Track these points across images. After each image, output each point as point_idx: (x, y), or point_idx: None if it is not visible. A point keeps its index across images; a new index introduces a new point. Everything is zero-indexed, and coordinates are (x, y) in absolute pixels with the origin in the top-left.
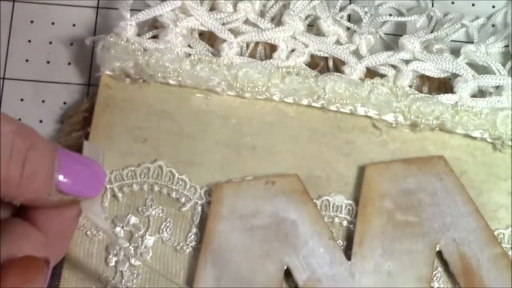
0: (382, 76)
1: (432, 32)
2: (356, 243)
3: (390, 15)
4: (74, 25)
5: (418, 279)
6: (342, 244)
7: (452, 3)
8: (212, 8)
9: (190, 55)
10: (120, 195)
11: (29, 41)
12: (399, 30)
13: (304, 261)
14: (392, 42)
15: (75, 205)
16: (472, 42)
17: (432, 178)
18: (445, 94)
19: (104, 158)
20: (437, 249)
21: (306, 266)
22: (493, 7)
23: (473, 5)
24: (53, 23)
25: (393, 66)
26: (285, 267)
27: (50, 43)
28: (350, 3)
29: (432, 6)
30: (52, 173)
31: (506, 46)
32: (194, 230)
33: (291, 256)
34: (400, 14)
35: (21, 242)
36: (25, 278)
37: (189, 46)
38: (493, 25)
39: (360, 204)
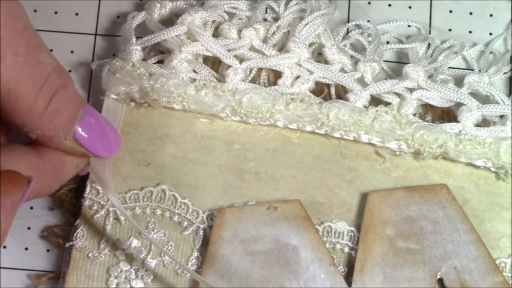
0: (386, 104)
1: (430, 58)
2: (357, 269)
3: (388, 42)
4: (72, 52)
5: None
6: (343, 270)
7: (450, 30)
8: (215, 34)
9: (195, 80)
10: (122, 218)
11: None
12: (396, 58)
13: (304, 286)
14: (389, 68)
15: (82, 157)
16: (471, 69)
17: (435, 206)
18: (449, 123)
19: (122, 117)
20: (438, 277)
21: None
22: (490, 34)
23: (470, 32)
24: (51, 50)
25: (398, 94)
26: None
27: None
28: (348, 32)
29: (430, 33)
30: (75, 119)
31: (506, 73)
32: (195, 254)
33: (291, 281)
34: (399, 41)
35: (16, 159)
36: (3, 189)
37: (194, 71)
38: (490, 52)
39: (361, 230)
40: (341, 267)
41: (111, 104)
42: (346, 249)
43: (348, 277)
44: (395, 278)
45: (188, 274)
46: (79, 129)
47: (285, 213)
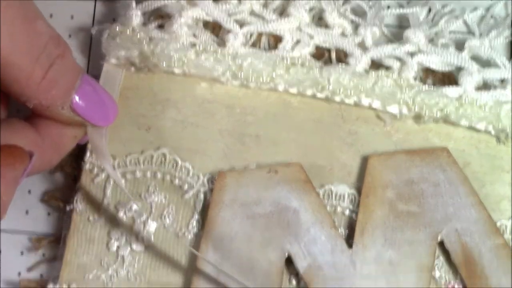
0: (387, 68)
1: (431, 22)
2: (358, 232)
3: (388, 7)
4: (72, 17)
5: (419, 269)
6: (344, 233)
7: None
8: None
9: (195, 44)
10: (123, 181)
11: None
12: (397, 22)
13: (305, 249)
14: (390, 33)
15: (78, 127)
16: (472, 33)
17: (435, 170)
18: (450, 87)
19: (121, 83)
20: (439, 239)
21: (308, 254)
22: None
23: None
24: (51, 15)
25: (398, 59)
26: (287, 255)
27: None
28: None
29: None
30: (72, 88)
31: (506, 37)
32: (196, 217)
33: (292, 244)
34: (400, 6)
35: (16, 136)
36: (4, 162)
37: (194, 36)
38: (491, 16)
39: (362, 193)
40: (341, 230)
41: (110, 69)
42: (347, 212)
43: (349, 239)
44: (395, 241)
45: (189, 237)
46: (77, 98)
47: (285, 176)
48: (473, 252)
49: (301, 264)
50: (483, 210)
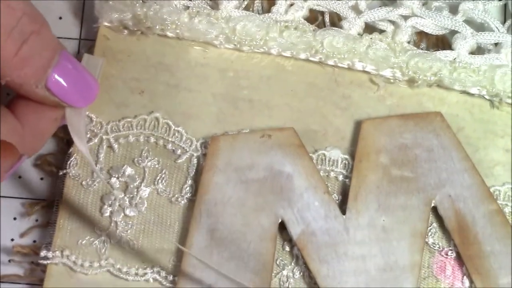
0: (380, 31)
1: None
2: (351, 197)
3: None
4: None
5: (412, 234)
6: (337, 198)
7: None
8: None
9: (188, 7)
10: (116, 146)
11: None
12: None
13: (298, 214)
14: None
15: (57, 109)
16: None
17: (429, 134)
18: (444, 51)
19: (101, 71)
20: (433, 205)
21: (301, 219)
22: None
23: None
24: None
25: (392, 22)
26: (280, 220)
27: None
28: None
29: None
30: (47, 67)
31: (500, 0)
32: (189, 182)
33: (285, 209)
34: None
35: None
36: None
37: None
38: None
39: (356, 158)
40: (335, 195)
41: (91, 57)
42: (340, 177)
43: (342, 205)
44: (389, 206)
45: (182, 202)
46: (55, 75)
47: (279, 141)
48: (467, 218)
49: (294, 230)
50: (477, 176)
